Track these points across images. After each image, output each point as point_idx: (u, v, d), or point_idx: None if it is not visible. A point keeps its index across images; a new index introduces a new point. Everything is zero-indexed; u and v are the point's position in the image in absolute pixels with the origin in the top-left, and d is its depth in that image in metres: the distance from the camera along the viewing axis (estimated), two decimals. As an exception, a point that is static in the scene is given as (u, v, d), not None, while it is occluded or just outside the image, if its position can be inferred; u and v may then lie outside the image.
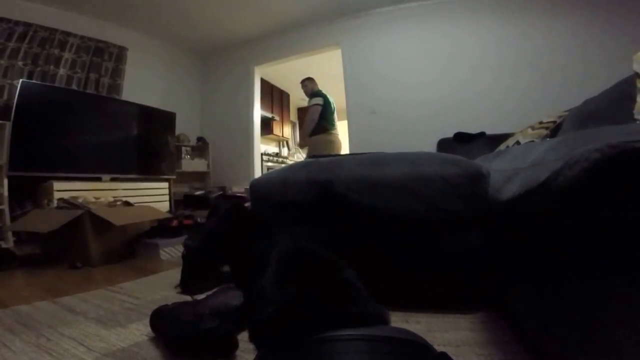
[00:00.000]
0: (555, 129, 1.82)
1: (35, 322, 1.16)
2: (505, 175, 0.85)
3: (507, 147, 1.92)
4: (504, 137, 2.40)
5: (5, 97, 2.83)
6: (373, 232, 1.13)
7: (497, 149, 2.04)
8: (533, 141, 1.76)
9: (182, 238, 2.40)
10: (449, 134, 3.33)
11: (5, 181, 2.52)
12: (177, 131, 4.23)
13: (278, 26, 4.37)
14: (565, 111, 1.90)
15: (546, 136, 1.82)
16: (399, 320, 1.04)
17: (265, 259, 0.66)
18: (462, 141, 3.21)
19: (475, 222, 1.05)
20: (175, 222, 2.50)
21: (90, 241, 1.95)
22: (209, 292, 1.14)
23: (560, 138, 0.73)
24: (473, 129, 3.25)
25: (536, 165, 0.63)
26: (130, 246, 2.26)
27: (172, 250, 2.31)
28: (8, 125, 2.59)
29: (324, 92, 3.77)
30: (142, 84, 4.13)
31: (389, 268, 1.12)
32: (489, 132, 3.14)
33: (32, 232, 2.06)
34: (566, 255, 0.52)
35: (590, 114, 1.55)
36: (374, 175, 1.15)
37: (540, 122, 1.99)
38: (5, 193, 2.49)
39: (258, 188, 1.38)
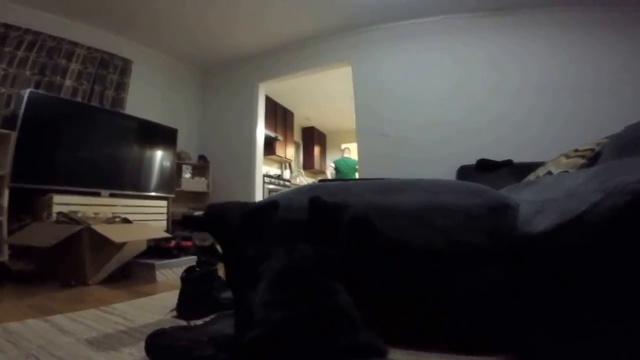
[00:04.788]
0: (593, 158, 1.72)
1: (25, 340, 1.19)
2: (536, 206, 0.82)
3: (537, 177, 1.84)
4: (533, 167, 2.26)
5: (12, 106, 2.96)
6: (381, 263, 1.10)
7: (526, 179, 1.94)
8: (567, 171, 1.68)
9: (180, 260, 2.46)
10: (470, 160, 3.31)
11: (6, 192, 2.59)
12: (178, 148, 4.33)
13: (283, 42, 4.48)
14: (605, 138, 1.80)
15: (583, 165, 1.71)
16: (404, 360, 1.03)
17: (254, 268, 0.68)
18: (485, 170, 3.16)
19: (499, 257, 1.00)
20: (173, 243, 2.56)
21: (87, 258, 2.02)
22: (206, 319, 1.18)
23: (600, 167, 0.72)
24: (496, 156, 3.23)
25: (572, 196, 0.61)
26: (126, 266, 2.33)
27: (168, 272, 2.37)
28: (13, 135, 2.68)
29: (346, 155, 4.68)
30: (145, 98, 4.27)
31: (398, 301, 1.09)
32: (514, 159, 3.11)
33: (28, 246, 2.13)
34: (606, 295, 0.50)
35: (632, 141, 1.47)
36: (386, 203, 1.12)
37: (576, 150, 1.88)
38: (5, 204, 2.58)
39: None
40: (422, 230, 1.05)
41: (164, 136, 4.12)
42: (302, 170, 7.53)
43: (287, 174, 7.06)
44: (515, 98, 3.47)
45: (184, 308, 1.47)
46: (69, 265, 2.03)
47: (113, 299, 1.79)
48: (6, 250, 2.39)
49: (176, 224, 3.81)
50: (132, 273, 2.33)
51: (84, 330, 1.31)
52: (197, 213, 3.90)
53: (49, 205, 2.64)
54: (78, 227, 2.02)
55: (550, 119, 3.31)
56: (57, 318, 1.44)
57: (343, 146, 6.53)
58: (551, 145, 2.53)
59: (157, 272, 2.30)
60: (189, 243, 2.60)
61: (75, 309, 1.59)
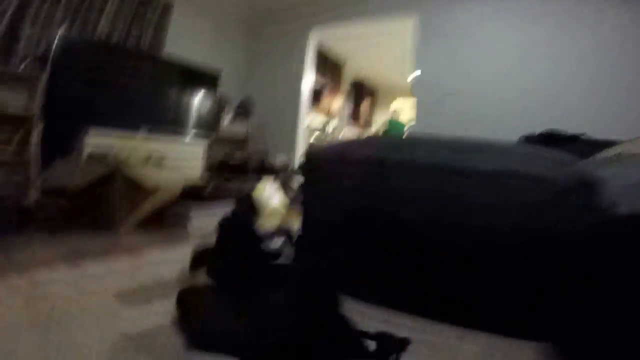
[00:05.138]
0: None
1: (52, 291, 1.14)
2: (627, 186, 0.77)
3: (619, 154, 1.67)
4: (607, 144, 2.06)
5: (43, 46, 2.85)
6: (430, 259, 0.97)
7: (602, 155, 1.75)
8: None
9: (215, 209, 2.35)
10: (531, 130, 2.94)
11: (37, 131, 2.59)
12: (220, 92, 4.17)
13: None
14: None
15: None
16: (451, 337, 0.92)
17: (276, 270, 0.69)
18: (548, 143, 2.83)
19: (580, 238, 0.85)
20: (208, 190, 2.44)
21: (119, 202, 1.93)
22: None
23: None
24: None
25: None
26: (159, 211, 2.24)
27: (202, 221, 2.26)
28: (44, 76, 2.64)
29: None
30: (186, 40, 4.08)
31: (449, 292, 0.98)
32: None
33: (60, 187, 2.06)
34: None
35: None
36: (464, 164, 0.95)
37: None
38: (36, 142, 2.57)
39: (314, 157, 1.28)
40: (500, 199, 0.91)
41: (205, 79, 3.98)
42: (348, 123, 7.24)
43: (332, 126, 6.78)
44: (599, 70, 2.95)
45: (217, 269, 1.31)
46: (101, 209, 1.96)
47: (144, 247, 1.72)
48: (35, 192, 2.33)
49: (213, 168, 3.70)
50: (165, 219, 2.25)
51: (112, 281, 1.28)
52: (234, 159, 3.75)
53: (81, 145, 2.56)
54: (109, 169, 1.91)
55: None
56: (87, 266, 1.41)
57: (392, 108, 6.11)
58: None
59: (192, 220, 2.19)
60: (224, 190, 2.47)
61: (105, 257, 1.51)
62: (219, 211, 2.41)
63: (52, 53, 2.72)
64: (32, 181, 2.37)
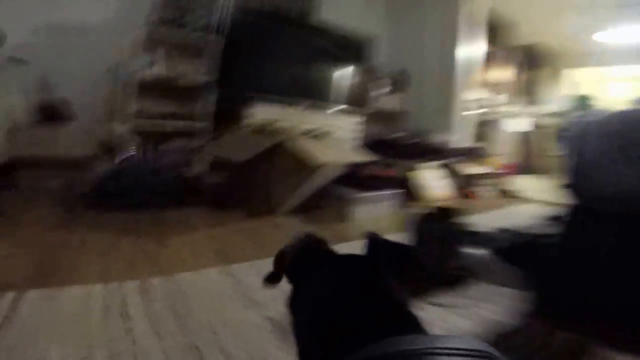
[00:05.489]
0: None
1: (191, 313, 0.88)
2: None
3: None
4: None
5: (215, 16, 2.80)
6: None
7: None
8: None
9: (381, 195, 1.99)
10: None
11: (209, 102, 2.60)
12: (370, 62, 3.79)
13: None
14: None
15: None
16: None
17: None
18: None
19: None
20: (375, 172, 2.09)
21: (276, 181, 1.70)
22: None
23: None
24: None
25: None
26: (319, 194, 1.97)
27: (365, 209, 1.92)
28: (218, 45, 2.65)
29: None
30: (334, 8, 3.78)
31: None
32: None
33: (225, 160, 1.93)
34: None
35: None
36: None
37: None
38: (207, 113, 2.58)
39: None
40: None
41: (357, 47, 3.67)
42: (519, 98, 6.18)
43: (500, 101, 5.79)
44: None
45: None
46: (258, 189, 1.76)
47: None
48: (199, 166, 2.28)
49: (367, 147, 3.35)
50: (324, 204, 1.96)
51: (270, 299, 0.92)
52: (392, 136, 3.33)
53: (248, 116, 2.45)
54: (274, 141, 1.68)
55: None
56: (240, 269, 1.16)
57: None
58: None
59: (354, 209, 1.87)
60: (389, 172, 2.08)
61: (262, 252, 1.27)
62: (381, 198, 2.05)
63: (225, 22, 2.70)
64: (198, 153, 2.36)
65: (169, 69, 2.56)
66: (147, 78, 2.41)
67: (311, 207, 1.91)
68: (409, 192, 2.51)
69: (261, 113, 2.47)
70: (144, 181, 1.88)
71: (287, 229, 1.59)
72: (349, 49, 3.65)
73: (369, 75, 3.83)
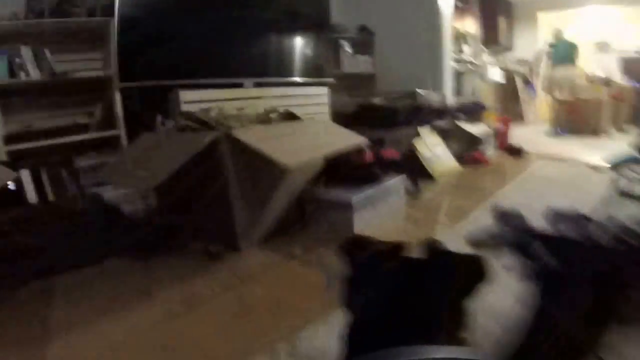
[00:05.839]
0: None
1: None
2: None
3: None
4: None
5: None
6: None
7: None
8: None
9: (385, 186, 1.35)
10: None
11: (118, 96, 1.93)
12: (332, 19, 3.26)
13: None
14: None
15: None
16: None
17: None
18: None
19: None
20: (366, 158, 1.44)
21: (240, 198, 1.02)
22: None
23: None
24: None
25: None
26: (299, 199, 1.29)
27: (368, 214, 1.26)
28: (113, 22, 1.93)
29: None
30: None
31: None
32: None
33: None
34: None
35: None
36: None
37: None
38: (120, 113, 1.93)
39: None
40: None
41: (313, 5, 3.08)
42: (483, 47, 5.75)
43: (466, 52, 5.35)
44: None
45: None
46: (209, 213, 1.06)
47: (288, 293, 0.77)
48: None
49: (339, 117, 2.69)
50: (307, 218, 1.29)
51: None
52: (377, 100, 2.65)
53: (175, 104, 1.74)
54: (210, 136, 0.99)
55: None
56: None
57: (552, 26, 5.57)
58: None
59: (351, 217, 1.22)
60: (394, 153, 1.45)
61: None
62: (385, 191, 1.40)
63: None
64: (102, 176, 1.61)
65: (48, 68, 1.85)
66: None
67: (289, 225, 1.23)
68: (420, 170, 1.89)
69: (194, 98, 1.75)
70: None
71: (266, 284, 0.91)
72: (304, 6, 3.05)
73: (332, 37, 3.28)
